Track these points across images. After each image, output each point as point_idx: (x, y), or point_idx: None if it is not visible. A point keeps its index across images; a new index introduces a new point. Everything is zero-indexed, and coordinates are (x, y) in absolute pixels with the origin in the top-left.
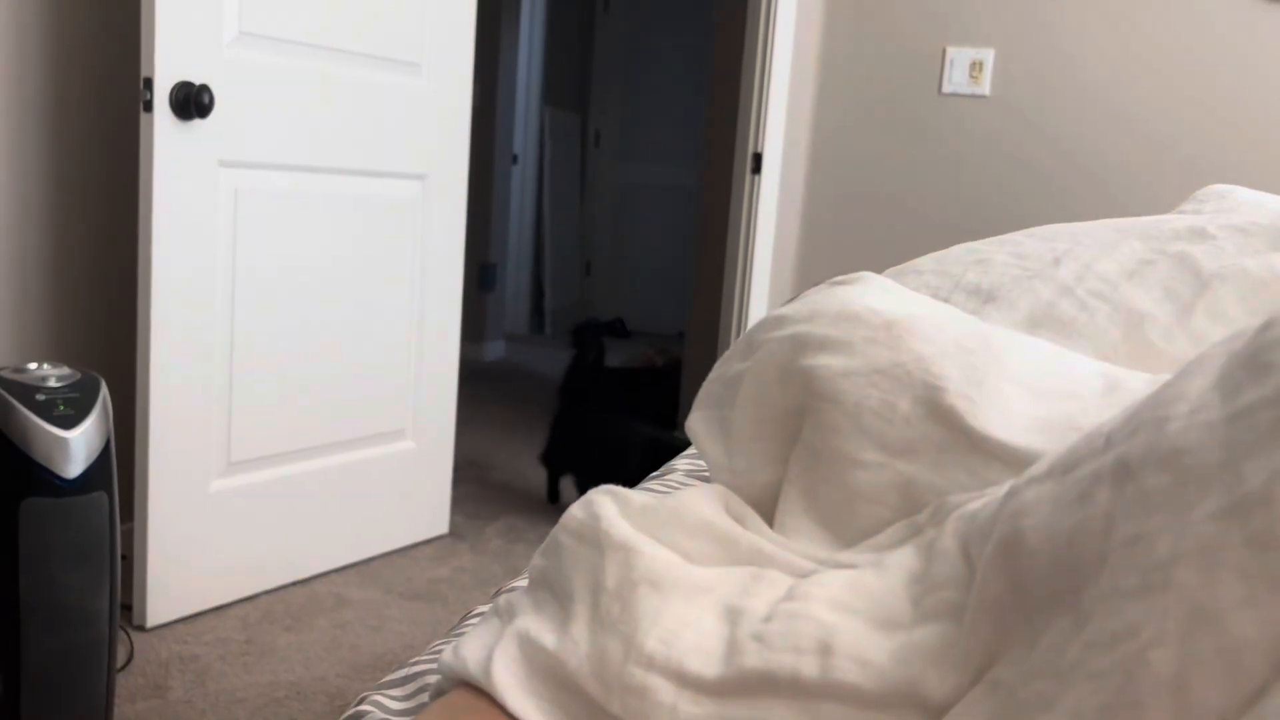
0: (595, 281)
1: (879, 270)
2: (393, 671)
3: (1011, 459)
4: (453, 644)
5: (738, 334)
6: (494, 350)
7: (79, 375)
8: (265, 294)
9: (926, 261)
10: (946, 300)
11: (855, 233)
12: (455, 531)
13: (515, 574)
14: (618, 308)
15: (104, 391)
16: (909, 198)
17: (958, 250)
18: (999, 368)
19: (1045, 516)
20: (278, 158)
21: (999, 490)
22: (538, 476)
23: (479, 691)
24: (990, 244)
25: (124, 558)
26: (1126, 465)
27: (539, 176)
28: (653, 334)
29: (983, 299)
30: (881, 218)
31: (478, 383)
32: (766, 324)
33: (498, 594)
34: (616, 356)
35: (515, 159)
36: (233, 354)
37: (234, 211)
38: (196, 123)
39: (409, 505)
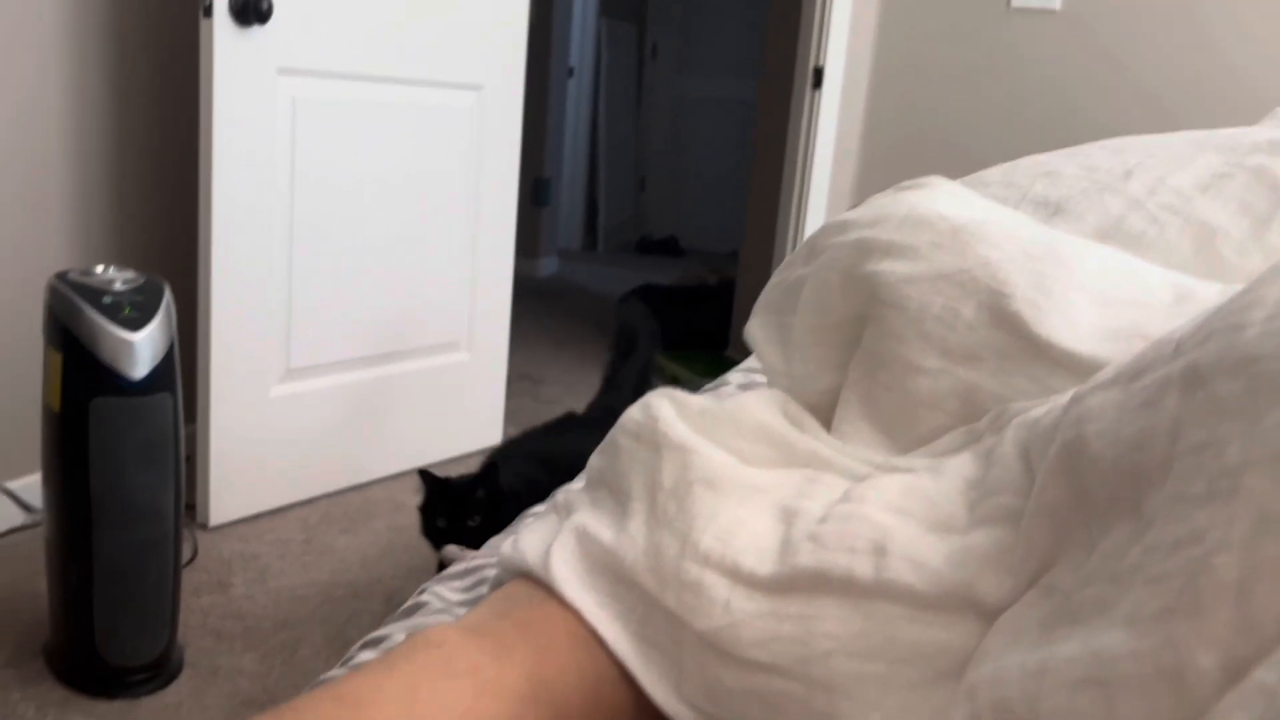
0: (649, 198)
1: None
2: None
3: (1076, 366)
4: (511, 538)
5: (793, 252)
6: (547, 266)
7: (143, 279)
8: (323, 203)
9: (993, 173)
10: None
11: (917, 152)
12: None
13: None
14: (671, 225)
15: (168, 295)
16: (973, 117)
17: (1026, 162)
18: (1067, 275)
19: (1109, 423)
20: (336, 66)
21: (1062, 397)
22: (587, 390)
23: (537, 583)
24: (1060, 156)
25: (188, 459)
26: (1197, 371)
27: (594, 90)
28: (706, 252)
29: (1050, 211)
30: (944, 137)
31: (531, 298)
32: (830, 229)
33: (554, 493)
34: (669, 274)
35: (571, 72)
36: (291, 262)
37: (292, 120)
38: (255, 29)
39: (463, 415)
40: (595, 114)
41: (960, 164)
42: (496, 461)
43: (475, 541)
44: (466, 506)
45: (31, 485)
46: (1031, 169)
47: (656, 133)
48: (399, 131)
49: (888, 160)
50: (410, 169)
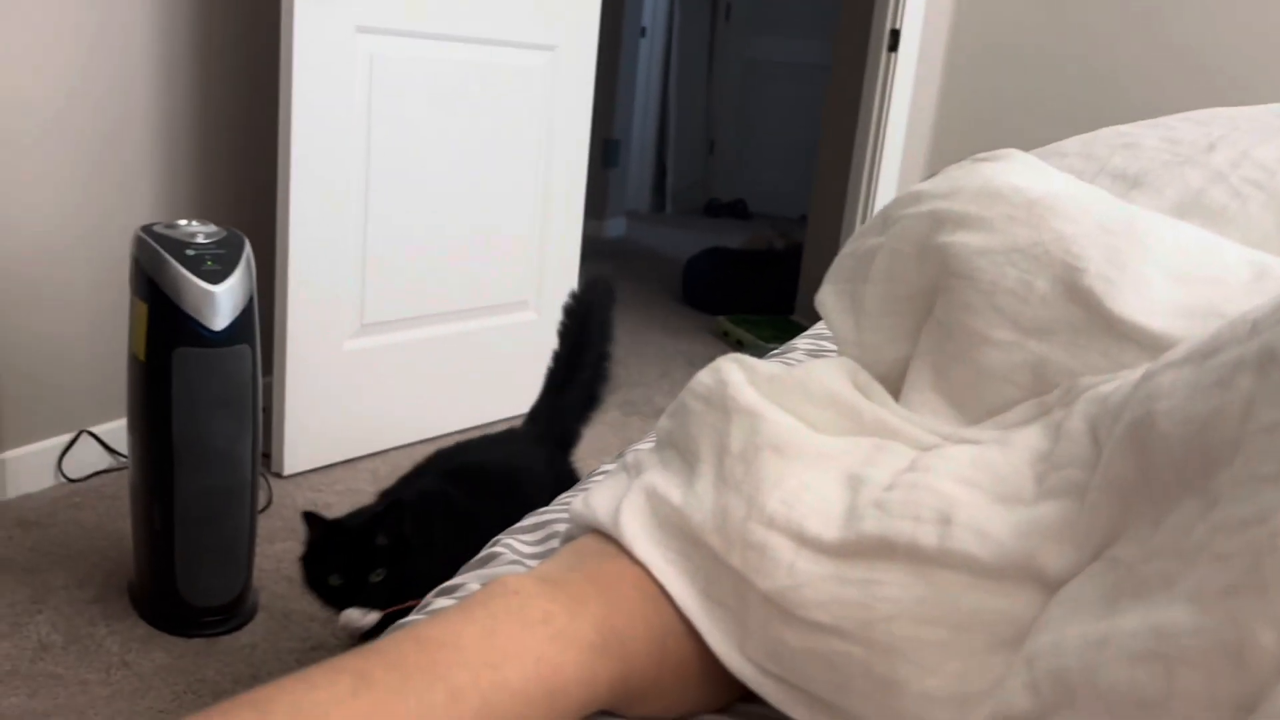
0: (718, 160)
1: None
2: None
3: (1149, 343)
4: (582, 494)
5: (863, 219)
6: (615, 227)
7: (225, 233)
8: (398, 161)
9: (1072, 144)
10: (1091, 184)
11: (994, 117)
12: None
13: (629, 445)
14: (740, 188)
15: (248, 249)
16: (1054, 81)
17: (1106, 133)
18: (1142, 251)
19: (1180, 401)
20: (412, 25)
21: (1133, 374)
22: (652, 353)
23: (607, 538)
24: (1141, 127)
25: (265, 409)
26: (1273, 352)
27: (666, 51)
28: (774, 216)
29: (1129, 184)
30: (1023, 103)
31: (598, 259)
32: (904, 200)
33: (623, 454)
34: (737, 238)
35: (643, 32)
36: (367, 220)
37: (369, 78)
38: None
39: (529, 374)
40: (666, 75)
41: (1038, 135)
42: (403, 500)
43: (383, 600)
44: (367, 557)
45: (118, 431)
46: (1111, 140)
47: (727, 95)
48: (473, 91)
49: (964, 129)
50: (483, 128)
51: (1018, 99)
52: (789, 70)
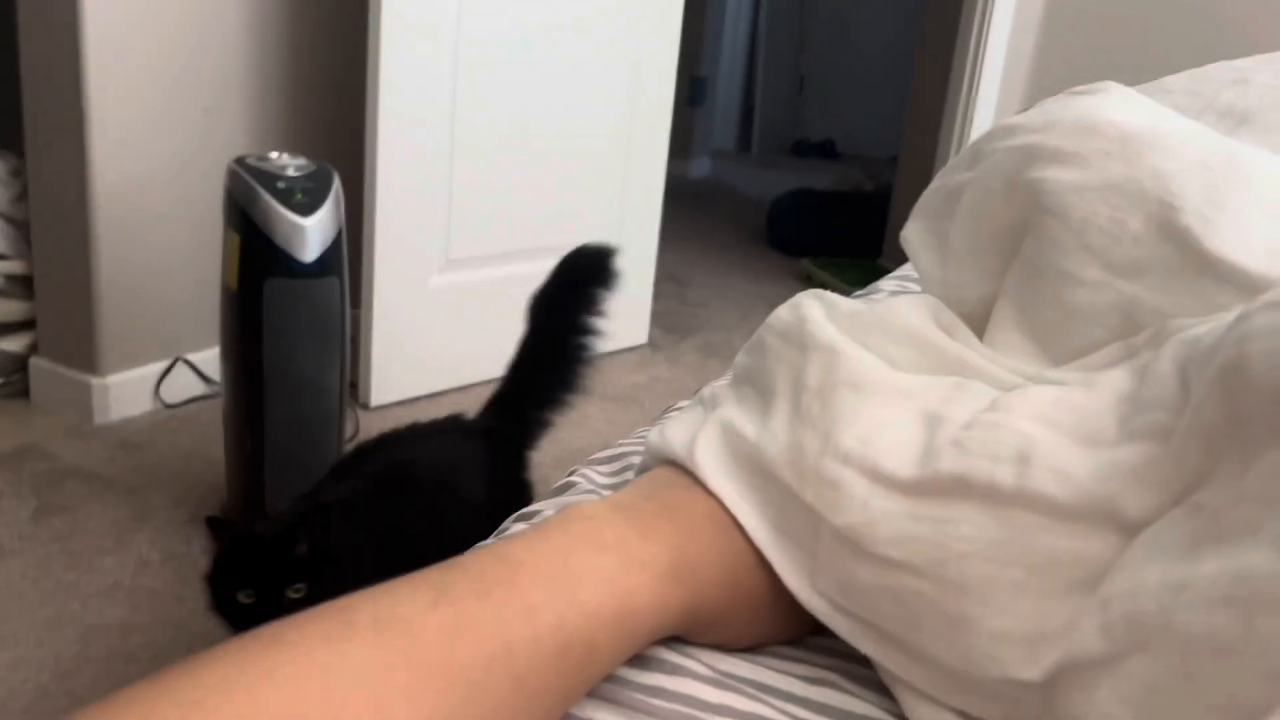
0: (808, 98)
1: None
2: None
3: (1245, 284)
4: (659, 427)
5: None
6: (699, 167)
7: (315, 166)
8: (484, 97)
9: (1179, 79)
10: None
11: (1098, 56)
12: (653, 343)
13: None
14: (829, 128)
15: (337, 183)
16: (1163, 15)
17: (1216, 67)
18: (1245, 189)
19: (1276, 343)
20: None
21: (1227, 316)
22: (734, 295)
23: (681, 470)
24: (1254, 62)
25: (352, 341)
26: None
27: None
28: (864, 157)
29: (1236, 121)
30: (1130, 39)
31: (681, 199)
32: (996, 133)
33: (699, 391)
34: (825, 179)
35: None
36: (453, 156)
37: (458, 14)
38: None
39: (611, 314)
40: (757, 10)
41: (1147, 68)
42: (327, 504)
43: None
44: (284, 570)
45: (211, 359)
46: (1221, 75)
47: (819, 31)
48: (559, 24)
49: (1065, 63)
50: (568, 64)
51: (1126, 30)
52: (883, 4)
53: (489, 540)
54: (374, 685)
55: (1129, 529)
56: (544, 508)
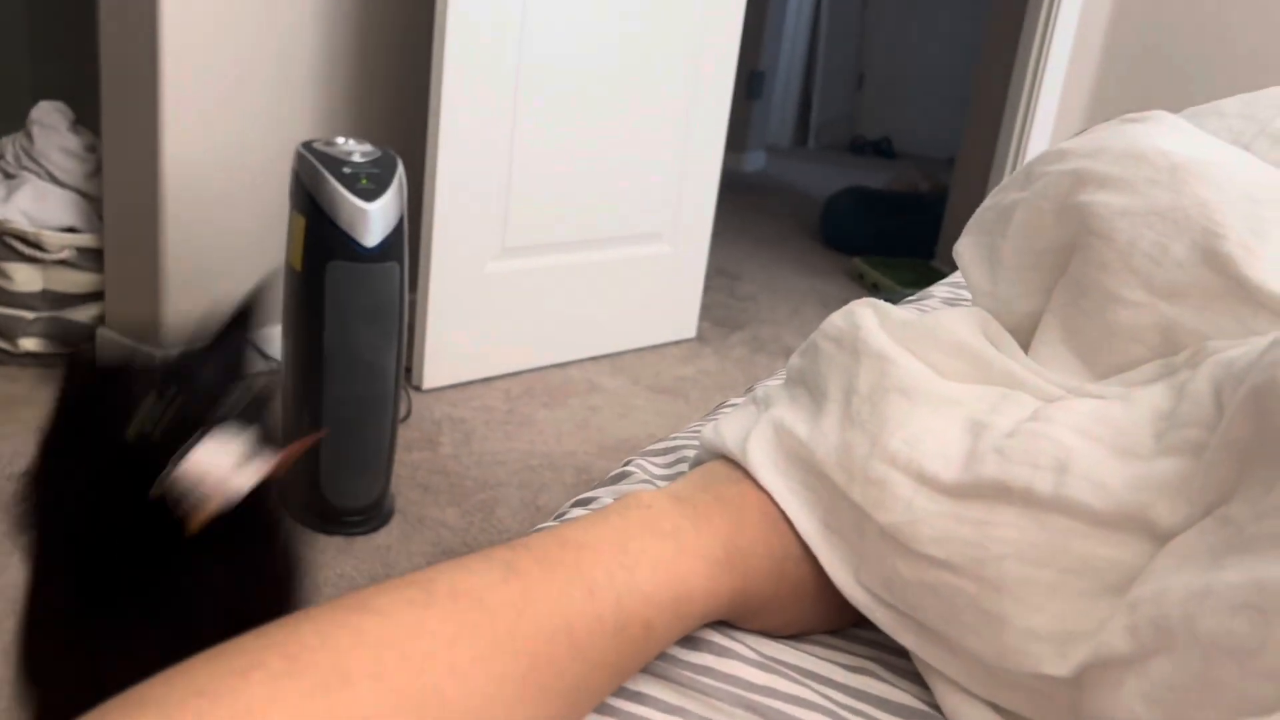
0: (866, 96)
1: (1180, 110)
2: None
3: None
4: (713, 423)
5: (1013, 166)
6: (754, 161)
7: (379, 153)
8: (545, 87)
9: (1233, 103)
10: (1248, 147)
11: (1161, 66)
12: (701, 336)
13: (755, 381)
14: (887, 126)
15: (400, 169)
16: (1230, 29)
17: (1273, 91)
18: None
19: None
20: None
21: (1262, 340)
22: (784, 290)
23: (734, 465)
24: None
25: (409, 325)
26: None
27: None
28: (921, 157)
29: None
30: (1195, 49)
31: (735, 193)
32: (1048, 157)
33: (752, 388)
34: (880, 178)
35: None
36: (513, 145)
37: (523, 5)
38: None
39: (660, 306)
40: (818, 5)
41: (1210, 80)
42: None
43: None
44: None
45: (272, 336)
46: (1276, 101)
47: (881, 27)
48: (621, 16)
49: (1127, 81)
50: (629, 55)
51: (1186, 52)
52: (947, 3)
53: (548, 523)
54: (449, 652)
55: (1159, 538)
56: (600, 494)
